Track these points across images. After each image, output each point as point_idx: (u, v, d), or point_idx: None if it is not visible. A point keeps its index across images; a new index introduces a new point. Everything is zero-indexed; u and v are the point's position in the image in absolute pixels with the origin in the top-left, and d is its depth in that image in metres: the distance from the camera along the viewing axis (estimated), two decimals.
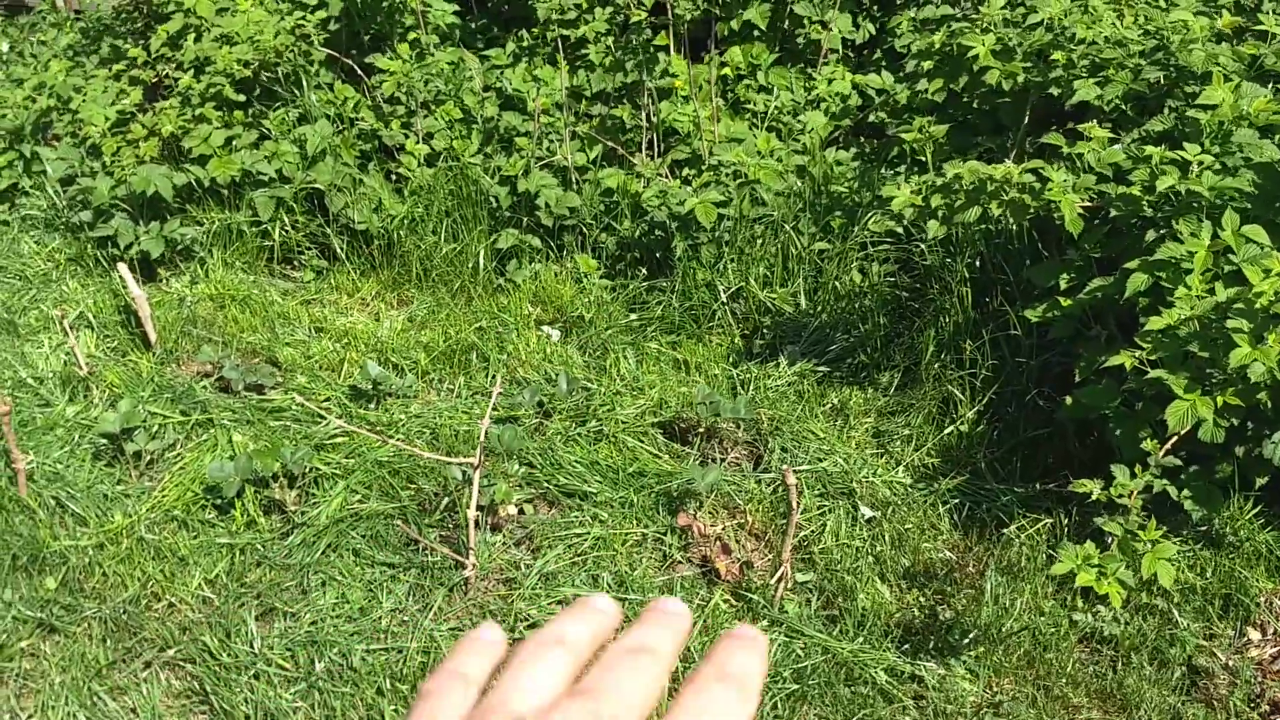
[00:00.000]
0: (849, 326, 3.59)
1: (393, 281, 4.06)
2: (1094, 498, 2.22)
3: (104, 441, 3.15)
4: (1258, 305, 2.10)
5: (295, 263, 4.19)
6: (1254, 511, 2.69)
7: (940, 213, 2.63)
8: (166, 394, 3.38)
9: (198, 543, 2.86)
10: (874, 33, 4.55)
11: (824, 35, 4.42)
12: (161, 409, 3.31)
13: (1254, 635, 2.59)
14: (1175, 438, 2.26)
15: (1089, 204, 2.63)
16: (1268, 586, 2.67)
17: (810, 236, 3.82)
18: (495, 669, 0.48)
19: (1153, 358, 2.29)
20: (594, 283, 3.94)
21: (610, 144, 4.23)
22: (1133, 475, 2.19)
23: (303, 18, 4.28)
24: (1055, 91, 3.08)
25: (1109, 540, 2.23)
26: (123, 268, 3.70)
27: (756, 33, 4.52)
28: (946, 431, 3.17)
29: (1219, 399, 2.17)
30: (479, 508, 2.78)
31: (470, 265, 4.02)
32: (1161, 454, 2.21)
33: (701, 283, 3.81)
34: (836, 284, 3.69)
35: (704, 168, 4.06)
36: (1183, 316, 2.24)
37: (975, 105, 3.69)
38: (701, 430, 3.24)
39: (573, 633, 0.48)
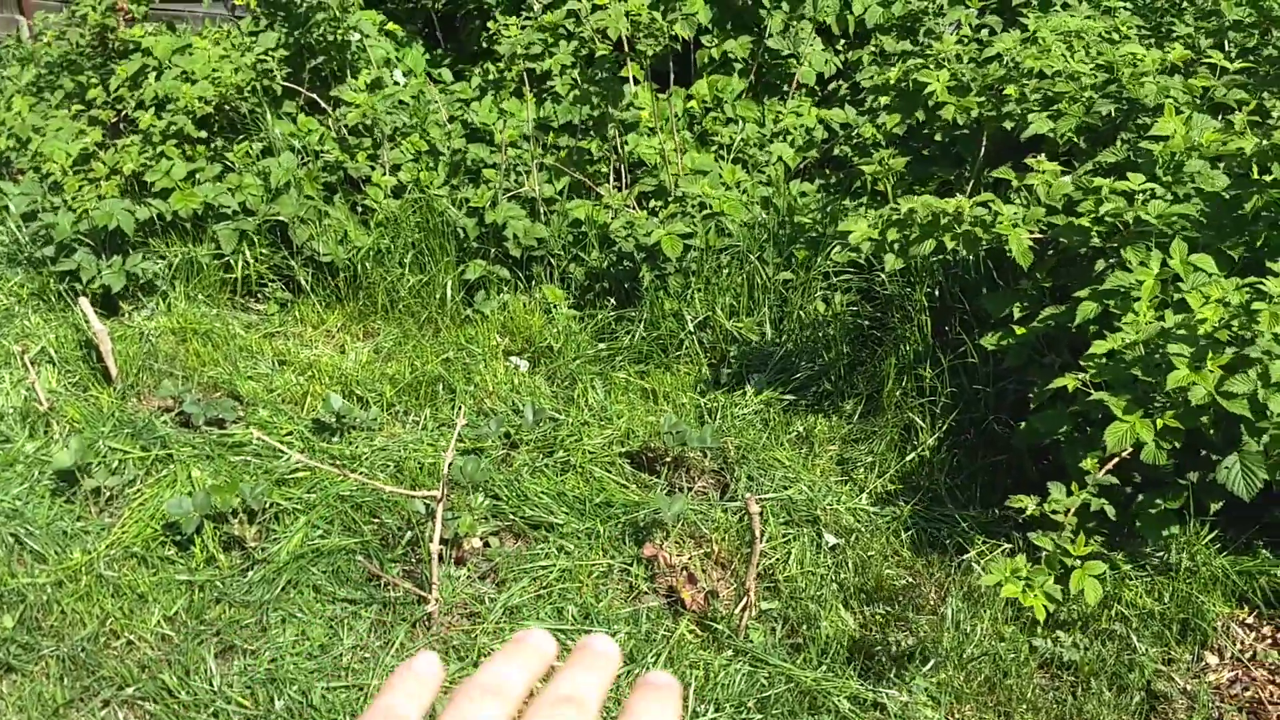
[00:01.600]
0: (813, 355, 3.61)
1: (358, 313, 4.05)
2: (1029, 513, 2.26)
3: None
4: (1200, 331, 2.14)
5: (259, 295, 4.18)
6: (1210, 537, 2.73)
7: (896, 246, 2.67)
8: (127, 429, 3.35)
9: (157, 579, 2.83)
10: (840, 67, 4.62)
11: (799, 69, 4.48)
12: (122, 444, 3.28)
13: (1211, 660, 2.61)
14: (1116, 458, 2.29)
15: (1039, 235, 2.67)
16: (1224, 611, 2.70)
17: (775, 267, 3.86)
18: (429, 706, 0.49)
19: (1095, 380, 2.33)
20: (562, 313, 3.96)
21: (577, 176, 4.26)
22: (1069, 493, 2.22)
23: (265, 52, 4.29)
24: (1009, 125, 3.14)
25: (1041, 555, 2.26)
26: (83, 302, 3.68)
27: (738, 65, 4.58)
28: (908, 458, 3.20)
29: (1159, 421, 2.20)
30: (443, 541, 2.77)
31: (438, 296, 4.03)
32: (1101, 473, 2.24)
33: (669, 313, 3.83)
34: (801, 313, 3.73)
35: (670, 199, 4.09)
36: (1128, 340, 2.28)
37: (935, 138, 3.75)
38: (669, 460, 3.24)
39: (507, 677, 0.49)
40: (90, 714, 2.51)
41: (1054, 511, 2.21)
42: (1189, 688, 2.52)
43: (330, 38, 4.29)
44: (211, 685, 2.54)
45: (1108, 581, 2.68)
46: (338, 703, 2.49)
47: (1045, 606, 2.10)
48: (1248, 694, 2.53)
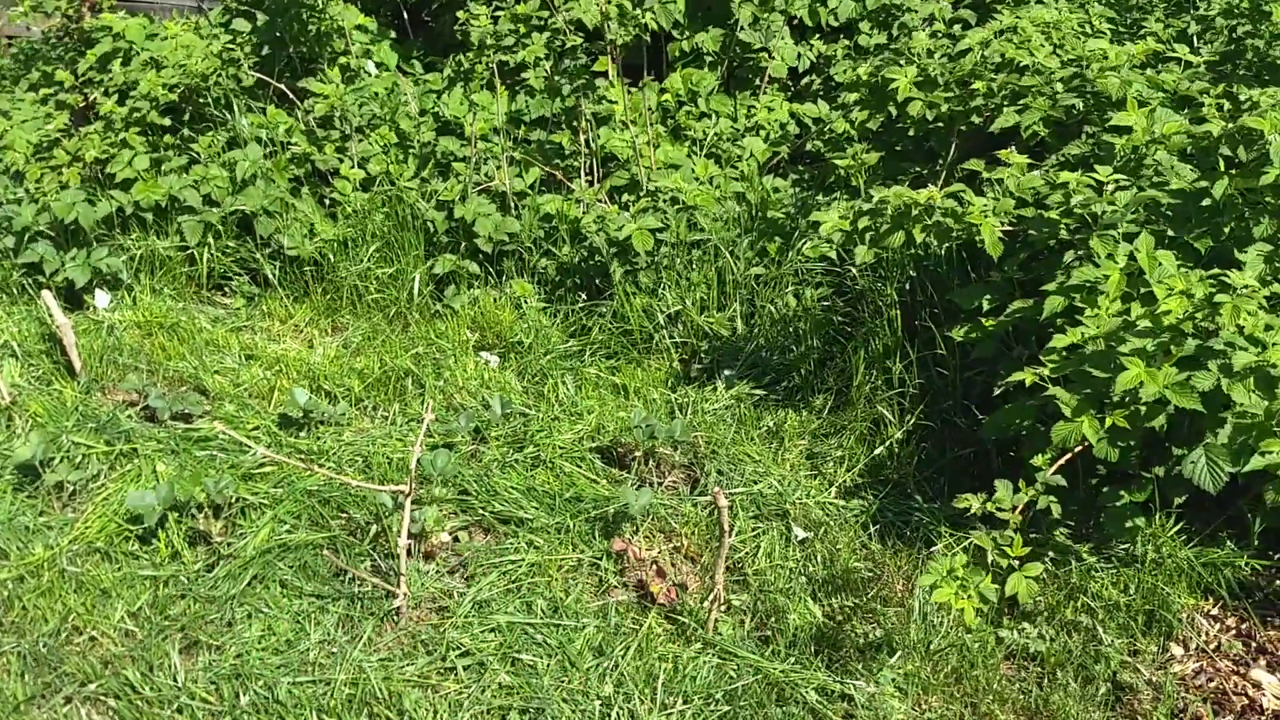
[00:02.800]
0: (784, 350, 3.62)
1: (327, 308, 4.02)
2: (973, 511, 2.27)
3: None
4: (1165, 323, 2.15)
5: (226, 289, 4.13)
6: (1175, 529, 2.75)
7: (868, 236, 2.67)
8: (91, 424, 3.31)
9: (120, 575, 2.79)
10: (814, 61, 4.62)
11: (770, 63, 4.48)
12: (85, 439, 3.23)
13: (1177, 651, 2.63)
14: (1068, 455, 2.30)
15: (1009, 227, 2.68)
16: (1190, 602, 2.72)
17: (747, 261, 3.85)
18: None
19: (1052, 375, 2.34)
20: (532, 308, 3.94)
21: (549, 169, 4.24)
22: (1017, 490, 2.23)
23: (232, 41, 4.24)
24: (977, 120, 3.15)
25: (984, 554, 2.27)
26: (47, 295, 3.63)
27: (708, 57, 4.56)
28: (877, 452, 3.21)
29: (1109, 420, 2.21)
30: (411, 536, 2.75)
31: (407, 291, 4.00)
32: (1051, 471, 2.25)
33: (640, 307, 3.82)
34: (772, 308, 3.73)
35: (642, 193, 4.08)
36: (1089, 335, 2.29)
37: (909, 133, 3.76)
38: (639, 455, 3.23)
39: None
40: (52, 710, 2.48)
41: (999, 509, 2.21)
42: (1154, 678, 2.54)
43: (310, 29, 4.24)
44: (175, 681, 2.51)
45: (1075, 574, 2.70)
46: (304, 697, 2.46)
47: (978, 609, 2.11)
48: (1212, 685, 2.55)
